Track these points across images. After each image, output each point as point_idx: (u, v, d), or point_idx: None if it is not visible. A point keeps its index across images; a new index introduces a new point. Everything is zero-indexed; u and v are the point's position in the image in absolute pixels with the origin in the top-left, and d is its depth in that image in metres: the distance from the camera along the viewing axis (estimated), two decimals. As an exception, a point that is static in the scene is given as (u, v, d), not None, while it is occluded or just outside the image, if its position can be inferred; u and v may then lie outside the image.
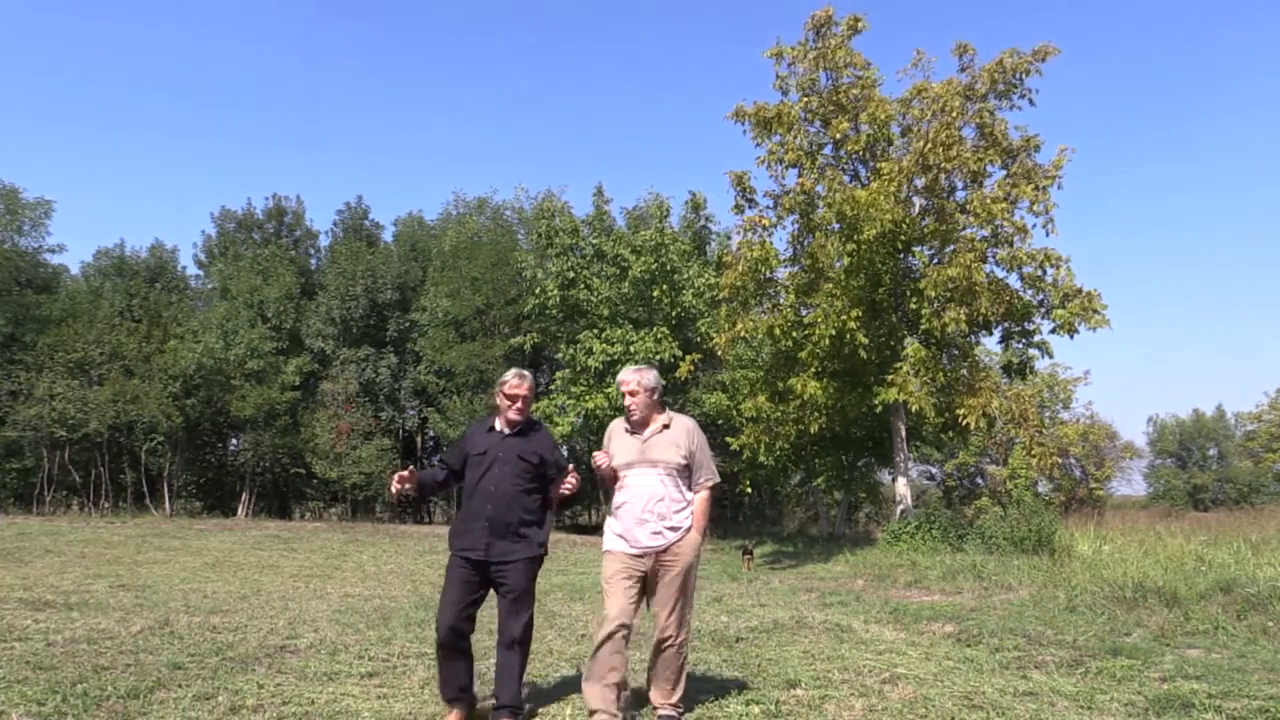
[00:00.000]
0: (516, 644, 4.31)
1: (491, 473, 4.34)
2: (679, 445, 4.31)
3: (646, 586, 4.27)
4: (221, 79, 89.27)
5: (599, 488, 4.67)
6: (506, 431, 4.47)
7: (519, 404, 4.44)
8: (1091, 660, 5.66)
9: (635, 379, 4.39)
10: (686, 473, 4.34)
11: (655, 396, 4.41)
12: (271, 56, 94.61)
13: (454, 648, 4.27)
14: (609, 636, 4.09)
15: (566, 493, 4.36)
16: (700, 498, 4.37)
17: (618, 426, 4.50)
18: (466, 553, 4.30)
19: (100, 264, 33.94)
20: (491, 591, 4.42)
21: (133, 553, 13.79)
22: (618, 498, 4.34)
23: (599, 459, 4.38)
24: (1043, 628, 6.97)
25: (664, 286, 22.47)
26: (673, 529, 4.24)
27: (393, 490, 4.37)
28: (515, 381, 4.45)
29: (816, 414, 15.67)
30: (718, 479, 4.46)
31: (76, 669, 5.08)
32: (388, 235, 36.80)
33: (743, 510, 30.32)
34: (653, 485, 4.26)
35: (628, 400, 4.39)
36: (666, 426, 4.37)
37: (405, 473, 4.39)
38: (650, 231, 23.07)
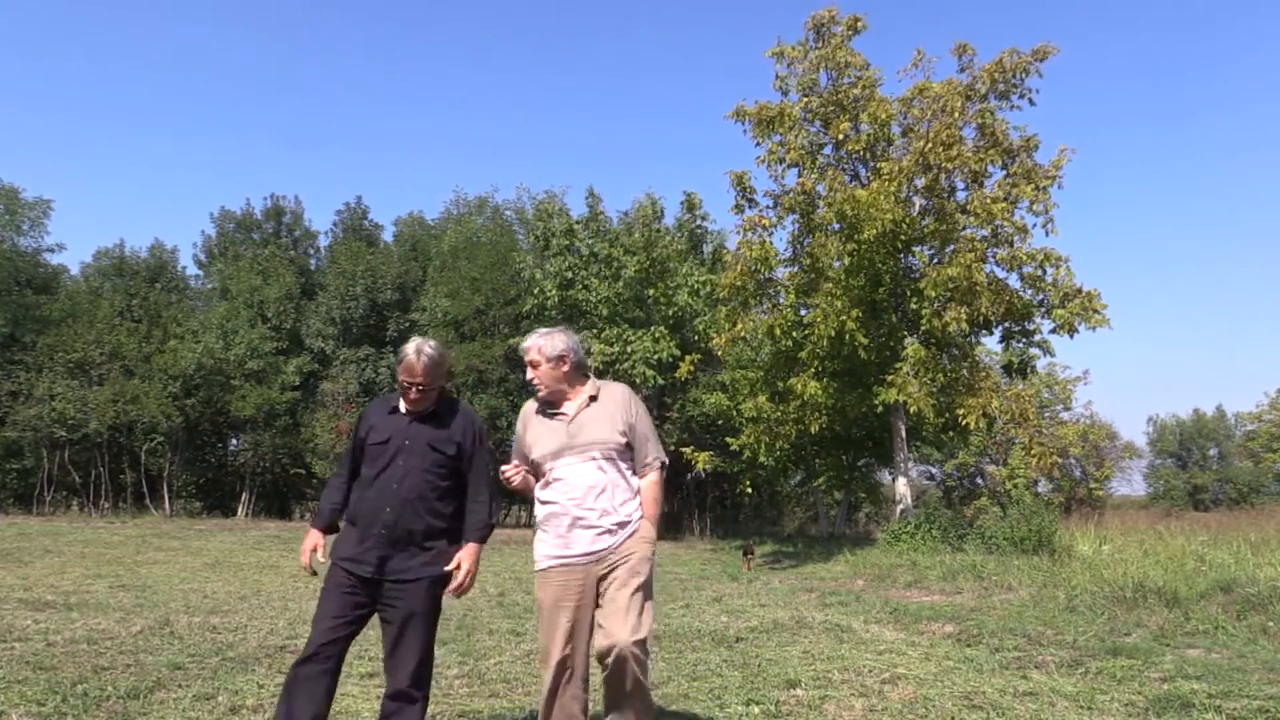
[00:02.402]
0: (409, 693, 3.26)
1: (395, 466, 3.36)
2: (615, 420, 3.42)
3: (598, 598, 3.37)
4: (221, 78, 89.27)
5: (518, 496, 3.81)
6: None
7: (413, 393, 3.38)
8: (1091, 660, 5.66)
9: (536, 344, 3.46)
10: (629, 454, 3.45)
11: (568, 366, 3.46)
12: (271, 56, 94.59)
13: (317, 670, 3.22)
14: (556, 685, 3.29)
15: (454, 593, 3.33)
16: (649, 481, 3.47)
17: (530, 411, 3.54)
18: (353, 566, 3.31)
19: (100, 264, 33.98)
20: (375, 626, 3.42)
21: (133, 553, 13.79)
22: (543, 498, 3.43)
23: (508, 472, 3.41)
24: (1043, 628, 6.97)
25: (660, 286, 22.50)
26: (621, 524, 3.36)
27: (307, 567, 3.43)
28: (411, 358, 3.35)
29: (816, 414, 15.67)
30: (664, 457, 3.55)
31: (76, 669, 5.08)
32: (388, 235, 36.88)
33: (743, 510, 30.32)
34: (589, 475, 3.36)
35: (529, 373, 3.50)
36: (594, 399, 3.46)
37: (315, 545, 3.41)
38: (639, 234, 23.14)
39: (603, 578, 3.33)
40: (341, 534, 3.43)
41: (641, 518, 3.43)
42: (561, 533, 3.36)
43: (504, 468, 3.42)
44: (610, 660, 3.19)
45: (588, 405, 3.45)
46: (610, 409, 3.45)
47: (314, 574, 3.42)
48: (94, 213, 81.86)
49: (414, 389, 3.36)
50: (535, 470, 3.48)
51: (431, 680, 3.44)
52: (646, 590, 3.34)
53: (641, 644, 3.22)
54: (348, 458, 3.56)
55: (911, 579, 10.96)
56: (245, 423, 28.71)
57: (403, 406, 3.47)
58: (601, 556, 3.34)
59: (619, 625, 3.22)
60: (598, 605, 3.34)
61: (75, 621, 6.82)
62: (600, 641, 3.25)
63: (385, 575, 3.29)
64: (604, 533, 3.34)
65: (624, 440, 3.42)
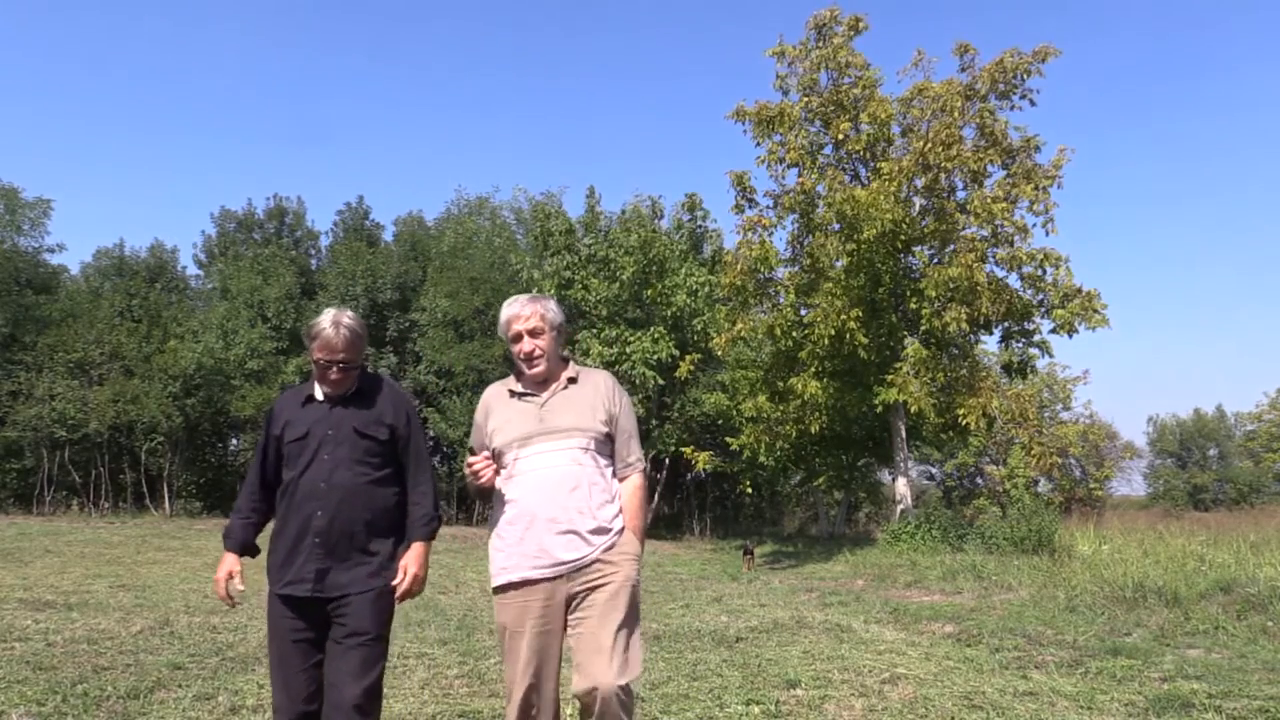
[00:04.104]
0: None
1: (320, 462, 2.88)
2: (596, 407, 2.92)
3: (567, 623, 2.85)
4: (221, 78, 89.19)
5: (478, 499, 3.08)
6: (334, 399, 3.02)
7: (334, 373, 2.93)
8: (1091, 660, 5.67)
9: (535, 309, 2.93)
10: (609, 448, 2.96)
11: (563, 338, 3.03)
12: (271, 55, 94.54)
13: None
14: None
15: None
16: (632, 485, 2.97)
17: (498, 393, 3.02)
18: (289, 588, 2.84)
19: (100, 264, 33.98)
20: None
21: (133, 553, 13.78)
22: (507, 494, 2.90)
23: (476, 465, 2.89)
24: (1043, 628, 6.97)
25: (656, 286, 22.51)
26: (599, 531, 2.83)
27: (227, 600, 2.98)
28: (329, 332, 2.90)
29: (816, 414, 15.67)
30: (644, 460, 3.13)
31: (76, 669, 5.09)
32: (388, 235, 36.88)
33: (743, 510, 30.34)
34: (563, 466, 2.83)
35: (527, 344, 2.92)
36: (573, 380, 2.97)
37: (230, 571, 2.95)
38: (635, 235, 23.16)
39: (575, 600, 2.82)
40: (274, 554, 2.92)
41: (623, 529, 2.91)
42: (523, 538, 2.82)
43: (470, 460, 2.92)
44: (595, 708, 2.70)
45: (565, 387, 2.96)
46: (591, 394, 2.95)
47: (233, 605, 2.98)
48: (94, 213, 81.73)
49: (334, 368, 2.91)
50: (497, 461, 2.95)
51: (380, 712, 2.88)
52: (632, 622, 2.82)
53: (627, 687, 2.72)
54: (258, 464, 3.04)
55: (911, 579, 10.96)
56: (245, 423, 28.71)
57: (319, 393, 3.02)
58: (572, 571, 2.81)
59: (602, 667, 2.70)
60: (569, 631, 2.84)
61: (75, 621, 6.82)
62: (580, 684, 2.73)
63: (326, 592, 2.82)
64: (577, 539, 2.81)
65: (606, 430, 2.92)
